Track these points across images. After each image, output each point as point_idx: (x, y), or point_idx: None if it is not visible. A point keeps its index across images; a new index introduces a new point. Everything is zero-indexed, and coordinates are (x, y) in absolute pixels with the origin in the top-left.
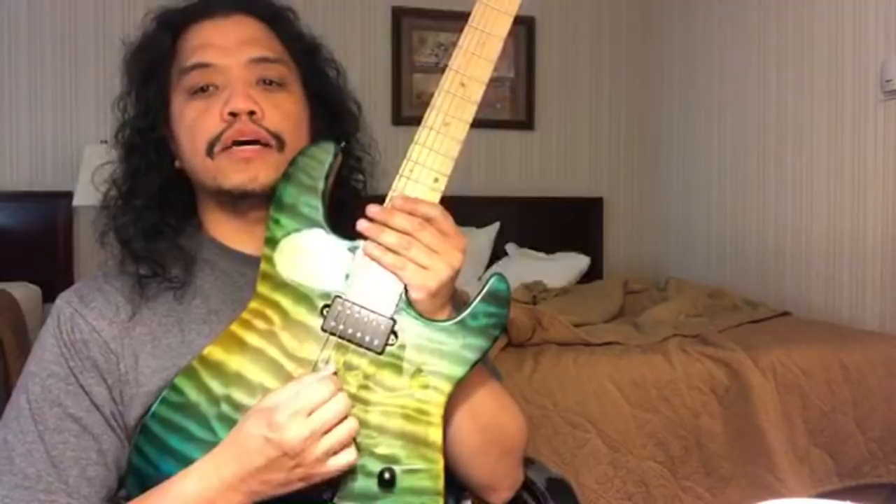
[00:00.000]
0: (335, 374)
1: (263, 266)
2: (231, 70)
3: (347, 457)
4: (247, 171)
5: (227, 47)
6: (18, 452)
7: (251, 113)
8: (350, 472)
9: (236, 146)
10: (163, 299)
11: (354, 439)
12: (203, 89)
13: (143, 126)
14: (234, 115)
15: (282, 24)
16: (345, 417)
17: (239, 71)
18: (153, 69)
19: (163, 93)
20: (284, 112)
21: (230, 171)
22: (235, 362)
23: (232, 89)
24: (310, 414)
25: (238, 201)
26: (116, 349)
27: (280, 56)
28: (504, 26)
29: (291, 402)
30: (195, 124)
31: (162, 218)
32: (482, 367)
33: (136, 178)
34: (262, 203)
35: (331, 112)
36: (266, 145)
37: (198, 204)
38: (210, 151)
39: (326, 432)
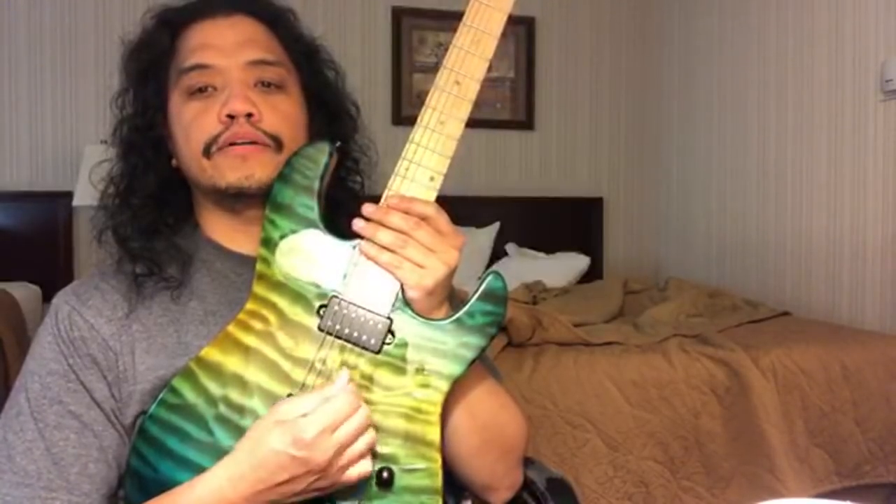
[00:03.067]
0: (350, 379)
1: (259, 266)
2: (230, 71)
3: (364, 467)
4: (243, 169)
5: (226, 49)
6: (18, 450)
7: (249, 115)
8: None
9: (233, 145)
10: (159, 299)
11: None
12: (201, 90)
13: (140, 124)
14: (231, 116)
15: (282, 26)
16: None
17: (237, 73)
18: (152, 68)
19: (161, 91)
20: (282, 114)
21: (226, 169)
22: (232, 363)
23: (230, 91)
24: (335, 429)
25: (234, 200)
26: (115, 346)
27: (279, 58)
28: (498, 24)
29: (317, 418)
30: (192, 125)
31: (159, 216)
32: (481, 367)
33: (134, 176)
34: (259, 202)
35: (329, 114)
36: (264, 146)
37: (194, 203)
38: (207, 152)
39: (349, 445)
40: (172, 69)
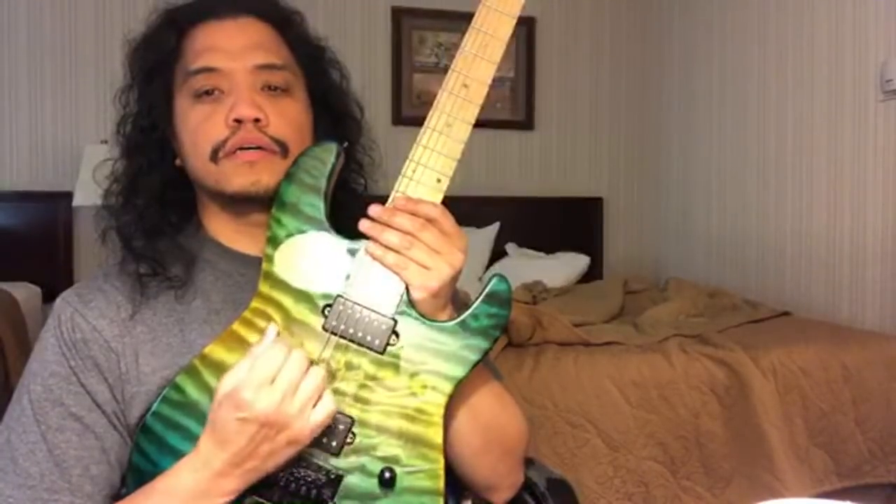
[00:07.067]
0: (278, 333)
1: (265, 265)
2: (236, 75)
3: (325, 407)
4: (250, 175)
5: (234, 52)
6: (21, 452)
7: (256, 120)
8: (350, 472)
9: (240, 151)
10: (163, 299)
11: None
12: (208, 93)
13: (145, 124)
14: (238, 121)
15: (290, 29)
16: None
17: (244, 76)
18: (157, 67)
19: (166, 91)
20: (289, 119)
21: (233, 176)
22: (236, 361)
23: (238, 95)
24: (273, 381)
25: (240, 204)
26: (117, 348)
27: (286, 62)
28: (506, 28)
29: (250, 377)
30: (199, 129)
31: (163, 217)
32: (483, 368)
33: (139, 176)
34: (264, 206)
35: (334, 116)
36: (271, 153)
37: (198, 203)
38: (214, 157)
39: (294, 389)
40: (178, 70)
